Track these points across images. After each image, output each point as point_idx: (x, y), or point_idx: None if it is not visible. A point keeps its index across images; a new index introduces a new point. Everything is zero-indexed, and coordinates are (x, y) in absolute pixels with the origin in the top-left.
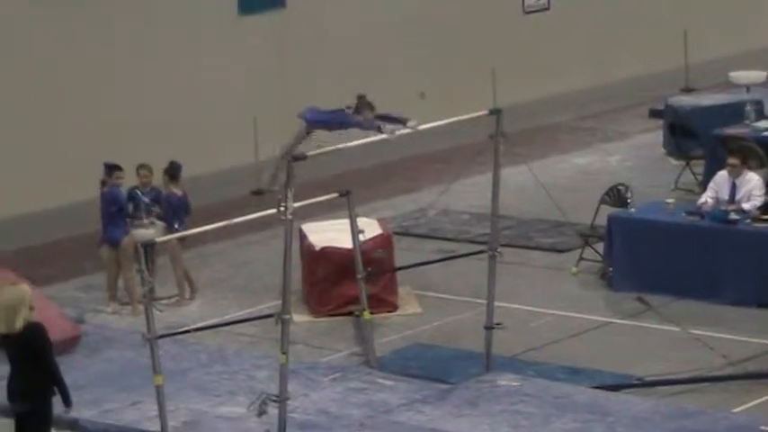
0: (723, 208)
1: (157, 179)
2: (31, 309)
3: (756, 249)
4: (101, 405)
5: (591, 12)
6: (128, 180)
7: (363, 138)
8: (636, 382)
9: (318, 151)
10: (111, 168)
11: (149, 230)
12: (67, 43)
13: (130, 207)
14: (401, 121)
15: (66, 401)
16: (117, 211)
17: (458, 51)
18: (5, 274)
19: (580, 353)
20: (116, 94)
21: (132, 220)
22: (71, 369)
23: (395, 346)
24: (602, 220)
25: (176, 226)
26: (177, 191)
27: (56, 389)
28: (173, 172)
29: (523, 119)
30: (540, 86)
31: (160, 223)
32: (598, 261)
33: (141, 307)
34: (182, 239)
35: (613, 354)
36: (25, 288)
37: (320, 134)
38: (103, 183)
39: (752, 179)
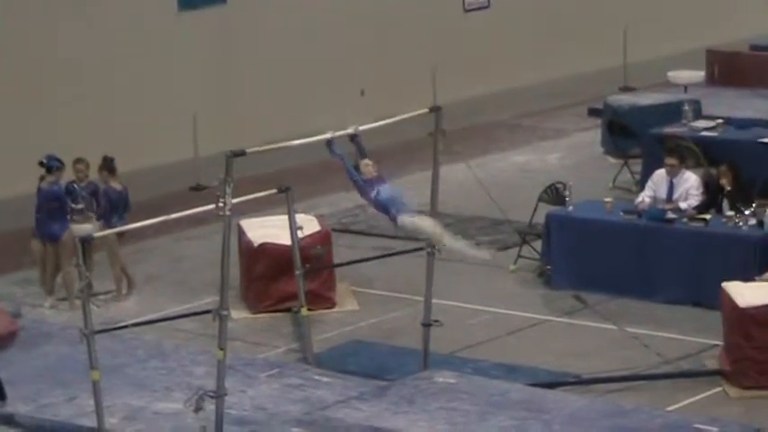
0: (660, 207)
1: (93, 174)
2: None
3: (692, 248)
4: (37, 400)
5: (531, 10)
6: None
7: (304, 137)
8: (572, 379)
9: (258, 148)
10: (53, 163)
11: (87, 225)
12: (4, 37)
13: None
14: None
15: (1, 396)
16: (57, 206)
17: (398, 49)
18: None
19: (517, 350)
20: (55, 89)
21: (71, 215)
22: (7, 364)
23: (332, 343)
24: (540, 218)
25: (114, 221)
26: (117, 185)
27: None
28: (111, 166)
29: (463, 116)
30: (479, 84)
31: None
32: (536, 259)
33: (79, 302)
34: (120, 235)
35: (550, 351)
36: None
37: None
38: (43, 177)
39: (689, 178)
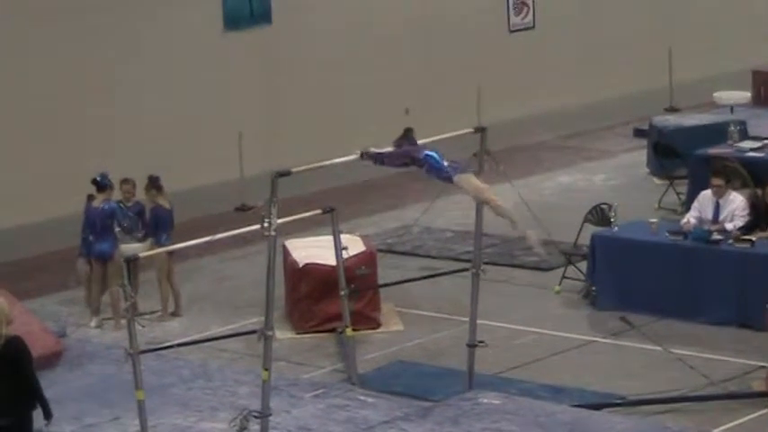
0: (706, 228)
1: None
2: (9, 323)
3: (738, 269)
4: (82, 420)
5: (576, 31)
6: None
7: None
8: (618, 401)
9: (303, 168)
10: (106, 182)
11: (136, 245)
12: (51, 57)
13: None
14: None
15: (47, 415)
16: (111, 224)
17: (443, 69)
18: None
19: (563, 371)
20: (101, 109)
21: (122, 234)
22: (53, 383)
23: (377, 364)
24: (585, 239)
25: (164, 240)
26: (165, 204)
27: (36, 403)
28: (157, 184)
29: (508, 137)
30: (524, 105)
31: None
32: (581, 280)
33: (124, 322)
34: (170, 253)
35: (596, 372)
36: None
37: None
38: (90, 197)
39: (735, 199)
